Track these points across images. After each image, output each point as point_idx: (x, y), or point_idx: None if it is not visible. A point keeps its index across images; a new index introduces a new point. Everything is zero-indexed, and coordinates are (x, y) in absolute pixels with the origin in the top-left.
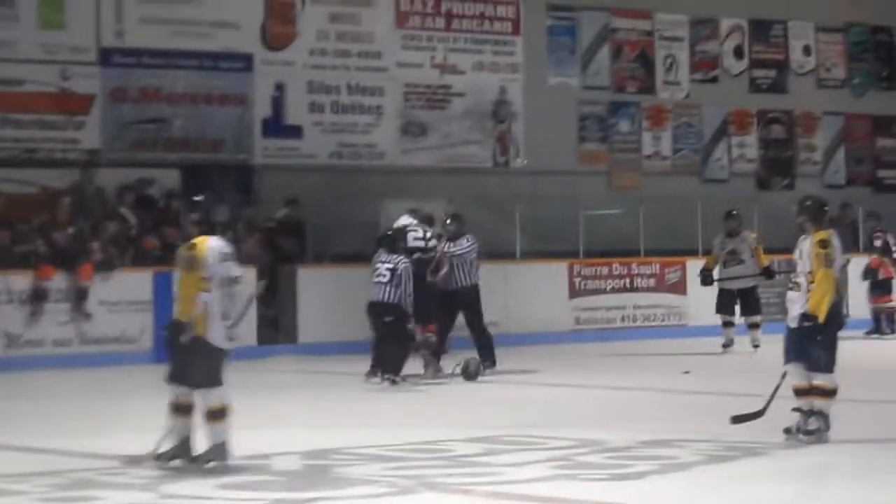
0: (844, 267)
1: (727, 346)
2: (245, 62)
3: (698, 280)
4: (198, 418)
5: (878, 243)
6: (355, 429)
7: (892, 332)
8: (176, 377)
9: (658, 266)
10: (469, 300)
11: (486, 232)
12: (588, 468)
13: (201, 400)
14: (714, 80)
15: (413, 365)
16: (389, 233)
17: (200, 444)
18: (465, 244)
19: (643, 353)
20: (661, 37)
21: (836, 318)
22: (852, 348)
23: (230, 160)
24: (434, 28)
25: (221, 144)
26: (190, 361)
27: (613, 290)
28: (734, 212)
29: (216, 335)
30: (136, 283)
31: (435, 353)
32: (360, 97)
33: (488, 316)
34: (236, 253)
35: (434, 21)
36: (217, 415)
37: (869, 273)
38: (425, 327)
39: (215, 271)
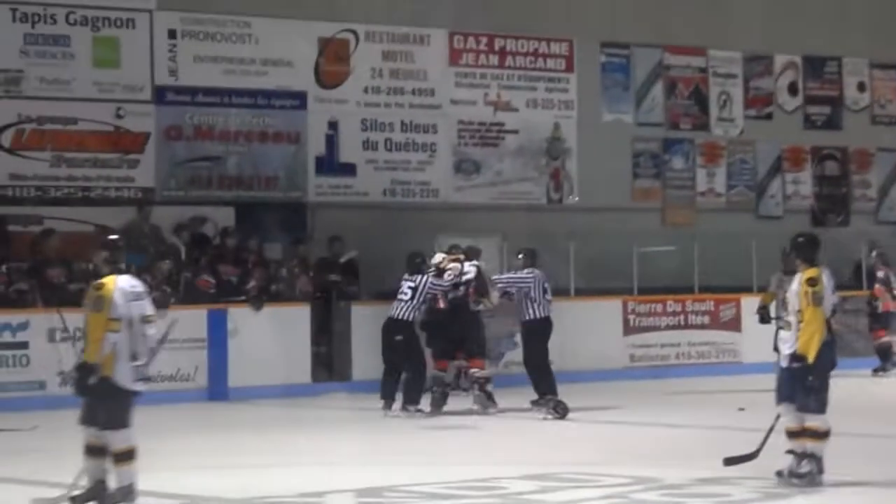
0: (838, 305)
1: None
2: (299, 100)
3: (755, 318)
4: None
5: (880, 274)
6: (410, 466)
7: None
8: (86, 419)
9: (713, 303)
10: (525, 334)
11: (540, 269)
12: None
13: (109, 441)
14: (768, 116)
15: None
16: (415, 256)
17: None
18: (514, 275)
19: (698, 390)
20: (715, 73)
21: (827, 358)
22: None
23: (284, 198)
24: (487, 65)
25: (275, 182)
26: (97, 403)
27: (668, 328)
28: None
29: (124, 376)
30: (190, 320)
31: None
32: (413, 135)
33: None
34: (290, 290)
35: (487, 58)
36: (123, 457)
37: (871, 301)
38: (472, 362)
39: (124, 312)
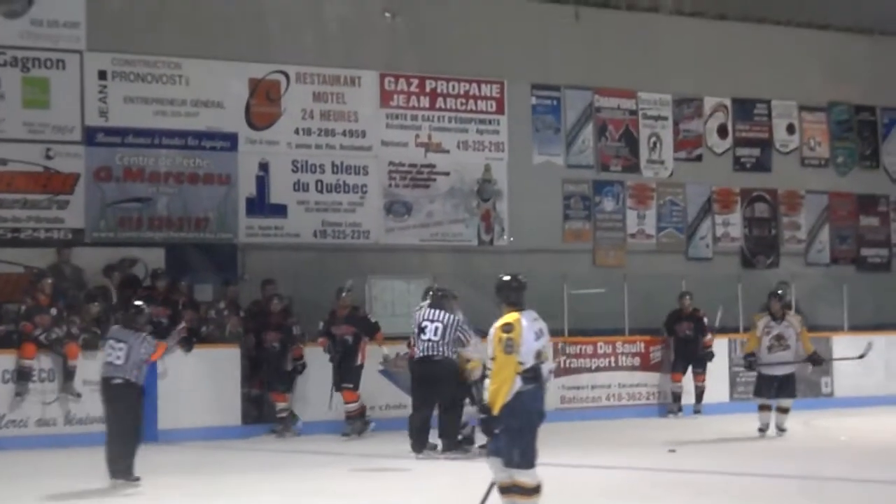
0: (540, 353)
1: (763, 430)
2: (229, 141)
3: (743, 364)
4: None
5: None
6: None
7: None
8: None
9: (643, 344)
10: None
11: (471, 310)
12: None
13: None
14: (698, 158)
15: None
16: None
17: None
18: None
19: (628, 432)
20: (646, 116)
21: (527, 409)
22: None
23: (214, 239)
24: (419, 107)
25: (206, 223)
26: None
27: (599, 369)
28: (780, 292)
29: None
30: None
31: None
32: (344, 176)
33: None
34: (220, 331)
35: (418, 100)
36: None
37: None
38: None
39: None
